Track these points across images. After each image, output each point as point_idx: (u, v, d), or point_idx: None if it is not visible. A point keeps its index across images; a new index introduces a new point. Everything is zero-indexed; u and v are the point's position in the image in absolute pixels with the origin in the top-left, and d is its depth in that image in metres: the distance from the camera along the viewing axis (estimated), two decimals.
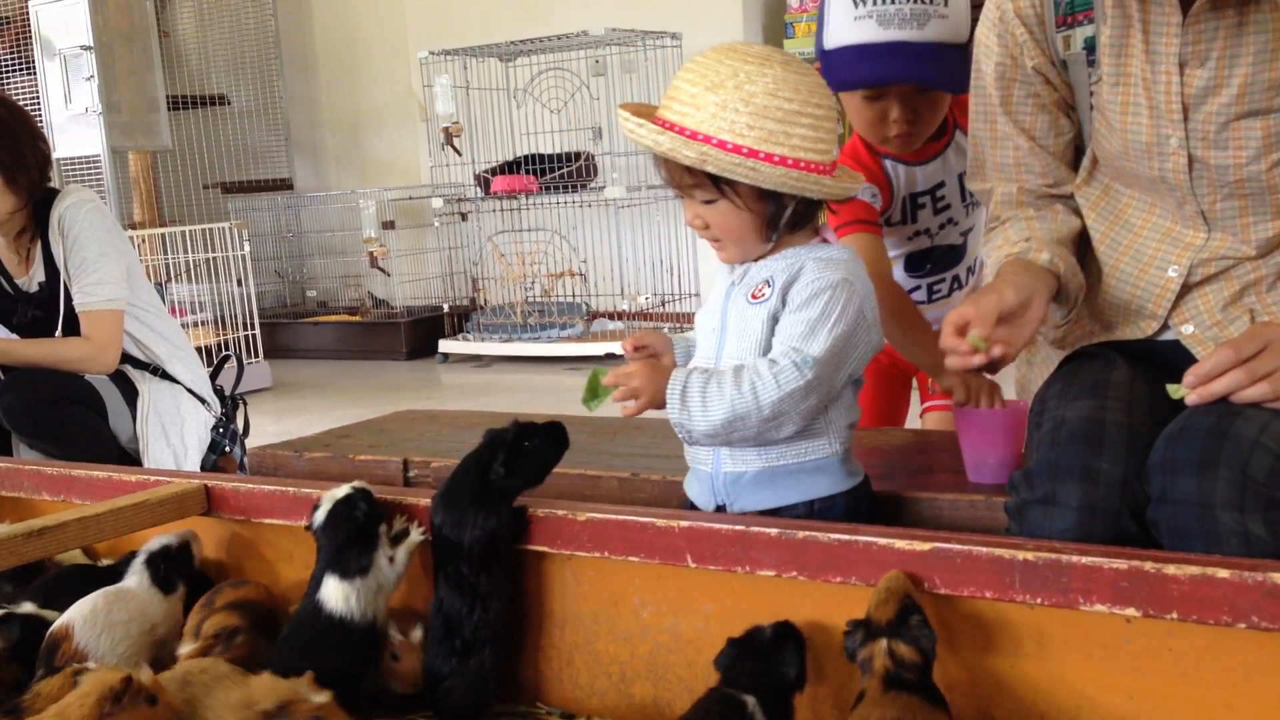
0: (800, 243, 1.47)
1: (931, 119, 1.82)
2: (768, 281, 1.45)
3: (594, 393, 1.48)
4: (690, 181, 1.43)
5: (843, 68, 1.74)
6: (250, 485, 1.73)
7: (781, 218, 1.43)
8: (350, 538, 1.50)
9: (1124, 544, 1.24)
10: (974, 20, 1.67)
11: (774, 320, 1.43)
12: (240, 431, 2.95)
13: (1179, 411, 1.32)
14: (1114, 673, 1.18)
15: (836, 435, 1.46)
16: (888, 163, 1.90)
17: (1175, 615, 1.11)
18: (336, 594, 1.47)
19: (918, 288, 2.04)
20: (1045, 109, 1.56)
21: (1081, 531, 1.28)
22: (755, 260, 1.48)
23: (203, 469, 2.79)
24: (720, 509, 1.51)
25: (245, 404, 3.02)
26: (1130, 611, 1.14)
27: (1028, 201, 1.61)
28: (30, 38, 5.79)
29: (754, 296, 1.46)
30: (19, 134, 2.65)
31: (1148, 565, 1.12)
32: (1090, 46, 1.47)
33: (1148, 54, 1.41)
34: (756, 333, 1.44)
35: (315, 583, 1.50)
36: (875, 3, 1.70)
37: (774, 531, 1.32)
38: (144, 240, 5.31)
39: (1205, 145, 1.41)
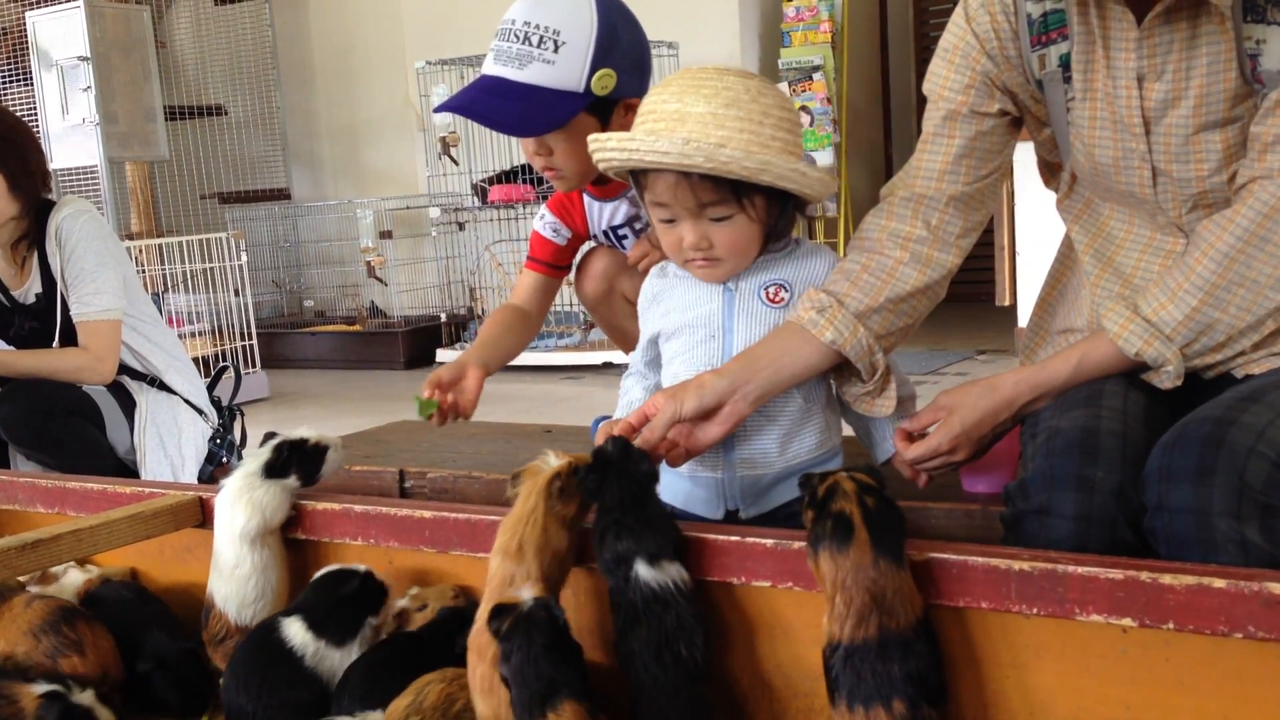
0: (783, 237, 1.53)
1: (568, 157, 1.83)
2: (782, 285, 1.50)
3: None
4: (712, 199, 1.43)
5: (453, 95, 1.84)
6: None
7: (779, 225, 1.49)
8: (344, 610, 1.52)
9: (1120, 553, 1.24)
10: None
11: None
12: (237, 442, 2.95)
13: (1174, 420, 1.33)
14: (1111, 683, 1.18)
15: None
16: (585, 197, 2.02)
17: (1172, 625, 1.11)
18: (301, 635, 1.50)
19: None
20: (983, 137, 1.53)
21: (1077, 541, 1.28)
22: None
23: (200, 480, 2.79)
24: (731, 514, 1.52)
25: (243, 415, 3.02)
26: (1127, 622, 1.13)
27: (900, 199, 1.55)
28: (27, 49, 5.79)
29: (772, 300, 1.49)
30: (25, 143, 2.69)
31: (1144, 575, 1.12)
32: (1065, 64, 1.47)
33: (1109, 69, 1.42)
34: None
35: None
36: (497, 39, 1.78)
37: (769, 542, 1.32)
38: (141, 250, 5.31)
39: (1168, 159, 1.42)
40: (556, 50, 1.73)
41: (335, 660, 1.49)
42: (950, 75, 1.54)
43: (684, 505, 1.54)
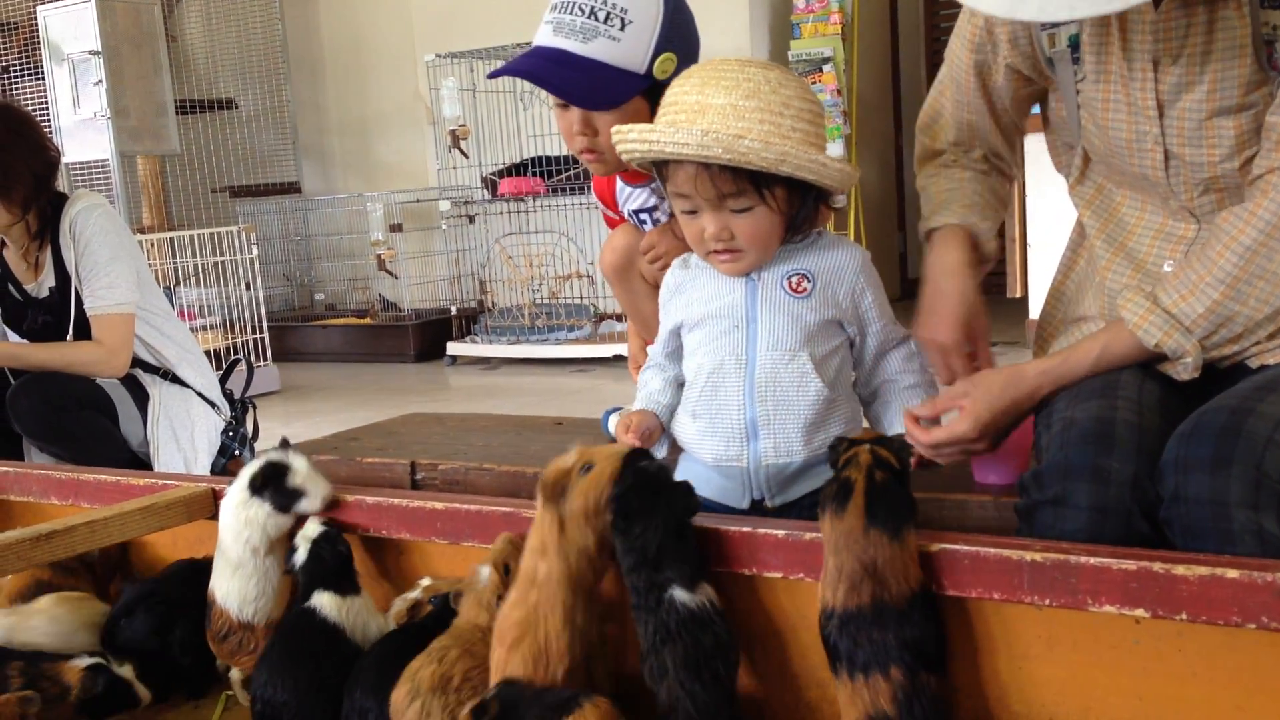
0: (804, 228, 1.53)
1: (608, 137, 1.79)
2: (804, 275, 1.50)
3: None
4: (732, 190, 1.43)
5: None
6: None
7: (800, 217, 1.49)
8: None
9: (1135, 544, 1.23)
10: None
11: (830, 311, 1.51)
12: (249, 435, 2.95)
13: (1189, 411, 1.32)
14: (1123, 674, 1.18)
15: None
16: (618, 179, 2.01)
17: (1185, 616, 1.11)
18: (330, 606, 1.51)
19: None
20: (1018, 98, 1.63)
21: (1092, 532, 1.27)
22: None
23: (212, 472, 2.80)
24: (757, 503, 1.52)
25: (254, 407, 3.03)
26: (1139, 612, 1.13)
27: (989, 166, 1.71)
28: (39, 43, 5.81)
29: (795, 289, 1.50)
30: (11, 147, 2.62)
31: (1156, 566, 1.12)
32: (1074, 44, 1.47)
33: (1125, 51, 1.42)
34: (808, 324, 1.50)
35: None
36: (557, 11, 1.75)
37: (781, 533, 1.32)
38: (153, 244, 5.32)
39: (1181, 142, 1.42)
40: (623, 28, 1.72)
41: (367, 620, 1.53)
42: (964, 56, 1.60)
43: (709, 495, 1.53)
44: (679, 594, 1.27)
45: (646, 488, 1.30)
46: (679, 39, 1.76)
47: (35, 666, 1.50)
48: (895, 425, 1.58)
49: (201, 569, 1.69)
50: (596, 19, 1.72)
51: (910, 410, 1.52)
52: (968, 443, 1.47)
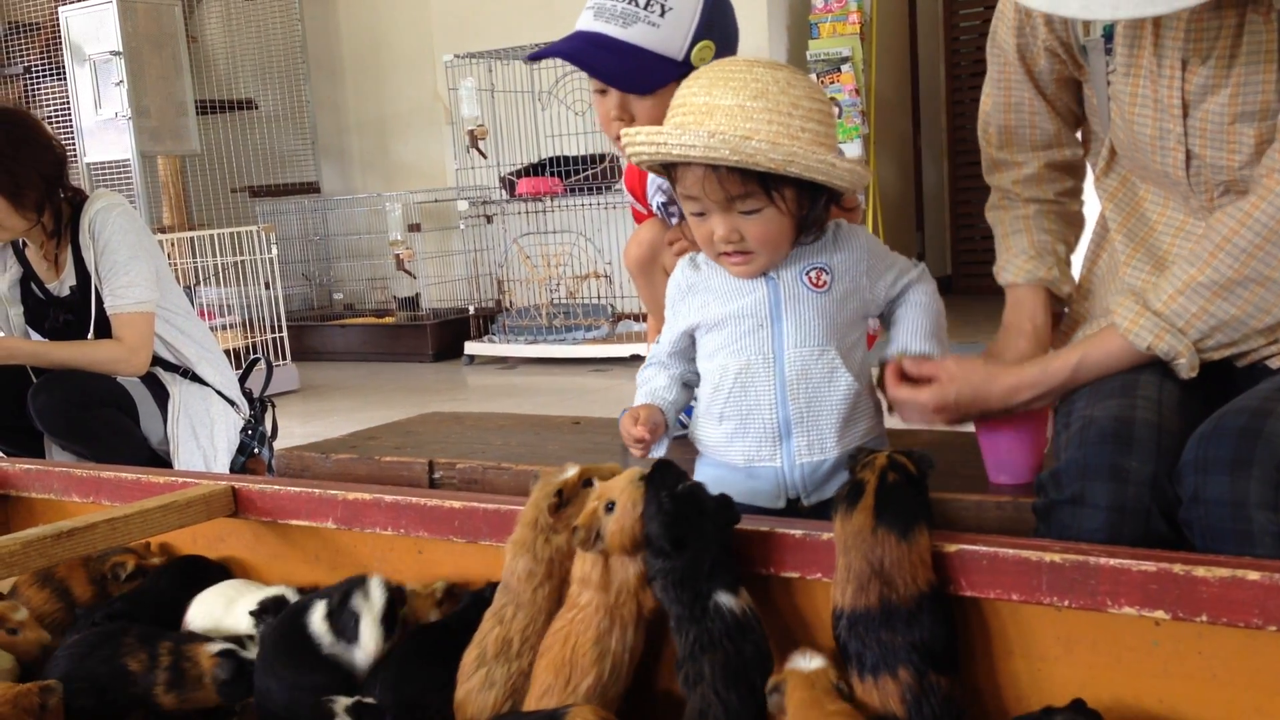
0: (815, 229, 1.52)
1: (645, 123, 1.79)
2: (823, 269, 1.50)
3: None
4: (740, 192, 1.42)
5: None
6: (277, 487, 1.74)
7: (810, 218, 1.47)
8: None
9: (1154, 544, 1.23)
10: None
11: (852, 301, 1.51)
12: (269, 433, 2.97)
13: (1209, 412, 1.32)
14: (1143, 676, 1.17)
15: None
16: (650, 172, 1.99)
17: (1205, 618, 1.10)
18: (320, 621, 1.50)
19: None
20: (1062, 78, 1.62)
21: (1111, 531, 1.27)
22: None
23: (231, 470, 2.81)
24: (793, 503, 1.51)
25: (273, 406, 3.05)
26: (1159, 614, 1.13)
27: (1047, 185, 1.68)
28: (60, 43, 5.85)
29: (815, 284, 1.49)
30: (16, 154, 2.62)
31: (1177, 567, 1.11)
32: (1109, 35, 1.47)
33: (1156, 47, 1.42)
34: (833, 318, 1.50)
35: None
36: None
37: (798, 533, 1.32)
38: (173, 244, 5.35)
39: (1203, 144, 1.42)
40: (662, 14, 1.73)
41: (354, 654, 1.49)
42: (1009, 40, 1.60)
43: (737, 498, 1.51)
44: (723, 598, 1.26)
45: (690, 511, 1.29)
46: (718, 28, 1.77)
47: (182, 647, 1.50)
48: (903, 340, 1.58)
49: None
50: (637, 5, 1.73)
51: (898, 359, 1.54)
52: (926, 412, 1.51)
